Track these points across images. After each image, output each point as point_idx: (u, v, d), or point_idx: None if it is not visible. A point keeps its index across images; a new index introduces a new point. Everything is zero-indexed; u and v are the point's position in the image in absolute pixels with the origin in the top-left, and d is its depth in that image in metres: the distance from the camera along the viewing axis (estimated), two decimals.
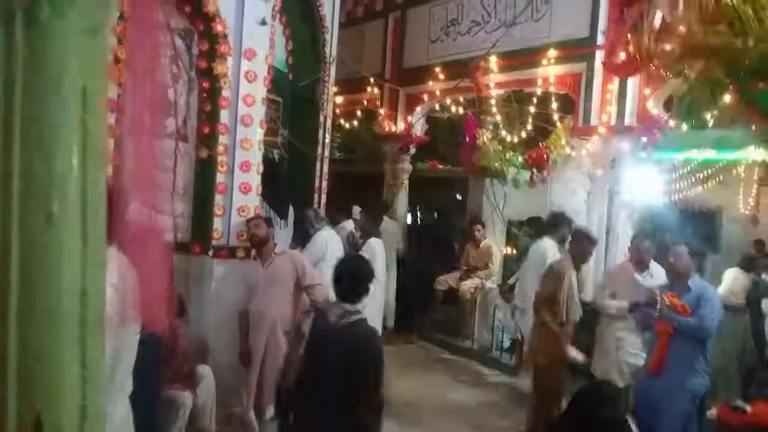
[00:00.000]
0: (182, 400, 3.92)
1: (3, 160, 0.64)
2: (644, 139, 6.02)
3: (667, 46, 3.64)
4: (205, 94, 4.83)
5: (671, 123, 6.15)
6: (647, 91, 6.02)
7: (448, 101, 8.52)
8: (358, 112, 10.09)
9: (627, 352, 4.82)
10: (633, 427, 2.98)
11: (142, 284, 1.00)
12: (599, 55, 6.31)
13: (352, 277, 3.05)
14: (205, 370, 4.25)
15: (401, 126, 8.87)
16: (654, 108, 6.01)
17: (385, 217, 7.55)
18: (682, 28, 3.55)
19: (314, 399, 2.88)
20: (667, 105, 6.34)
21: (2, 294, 0.64)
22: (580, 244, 4.86)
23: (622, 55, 4.94)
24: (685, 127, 6.28)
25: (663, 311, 4.04)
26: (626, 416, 3.69)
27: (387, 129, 8.94)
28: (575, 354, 4.58)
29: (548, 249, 5.54)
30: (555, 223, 5.70)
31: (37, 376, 0.66)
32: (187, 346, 4.16)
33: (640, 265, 4.89)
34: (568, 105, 7.22)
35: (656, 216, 7.13)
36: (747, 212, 9.66)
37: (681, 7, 3.60)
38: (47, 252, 0.66)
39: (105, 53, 0.72)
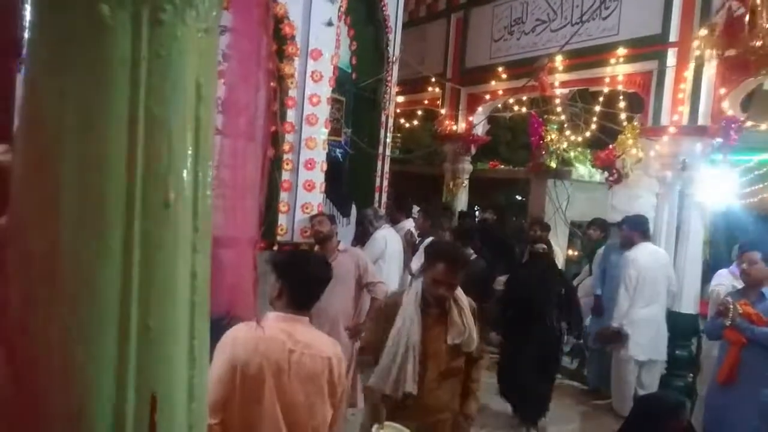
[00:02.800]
0: None
1: (129, 148, 0.69)
2: (719, 140, 5.76)
3: (754, 44, 3.49)
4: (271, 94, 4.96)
5: (748, 123, 5.88)
6: (722, 90, 5.76)
7: (511, 101, 8.42)
8: (420, 112, 10.11)
9: None
10: None
11: (229, 274, 1.06)
12: (672, 53, 6.10)
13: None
14: None
15: (462, 126, 8.83)
16: (730, 108, 5.75)
17: None
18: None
19: None
20: (744, 105, 6.06)
21: (127, 272, 0.70)
22: None
23: None
24: (764, 127, 5.98)
25: (735, 320, 3.88)
26: (692, 428, 3.57)
27: (448, 129, 8.92)
28: None
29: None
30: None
31: (153, 353, 0.72)
32: None
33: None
34: (635, 104, 7.02)
35: (731, 220, 6.83)
36: None
37: None
38: (165, 235, 0.72)
39: (216, 52, 0.78)
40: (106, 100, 0.67)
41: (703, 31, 5.68)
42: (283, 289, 2.28)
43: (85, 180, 0.68)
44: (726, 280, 4.82)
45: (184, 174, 0.71)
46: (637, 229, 5.70)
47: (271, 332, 2.12)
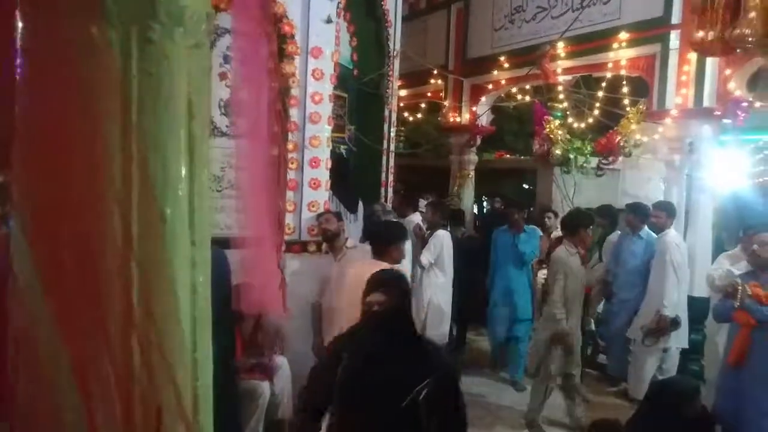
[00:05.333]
0: (261, 390, 4.07)
1: (123, 166, 0.70)
2: (727, 121, 5.71)
3: (739, 31, 3.47)
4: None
5: (757, 104, 5.82)
6: (728, 71, 5.70)
7: (514, 90, 8.38)
8: (423, 105, 10.09)
9: None
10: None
11: (257, 273, 1.08)
12: (674, 36, 6.04)
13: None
14: (281, 361, 4.40)
15: (466, 117, 8.80)
16: (736, 89, 5.70)
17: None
18: (752, 15, 3.39)
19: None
20: (751, 84, 6.00)
21: (126, 288, 0.71)
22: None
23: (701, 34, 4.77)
24: None
25: (744, 302, 3.86)
26: (710, 413, 3.56)
27: (452, 120, 8.90)
28: None
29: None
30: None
31: (157, 368, 0.73)
32: (266, 336, 4.31)
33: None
34: (640, 88, 6.96)
35: (739, 201, 6.78)
36: None
37: None
38: (162, 250, 0.73)
39: (207, 66, 0.78)
40: (98, 119, 0.68)
41: (700, 33, 5.60)
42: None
43: (81, 197, 0.69)
44: (725, 264, 4.79)
45: (180, 189, 0.72)
46: (673, 215, 5.56)
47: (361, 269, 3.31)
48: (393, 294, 2.43)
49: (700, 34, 5.17)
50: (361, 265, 3.59)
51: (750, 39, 3.47)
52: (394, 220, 5.68)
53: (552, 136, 7.45)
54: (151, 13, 0.68)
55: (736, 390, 3.91)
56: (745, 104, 5.69)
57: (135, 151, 0.71)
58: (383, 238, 3.75)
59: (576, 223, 5.00)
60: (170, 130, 0.72)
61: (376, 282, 2.52)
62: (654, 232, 5.65)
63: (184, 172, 0.73)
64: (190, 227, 0.75)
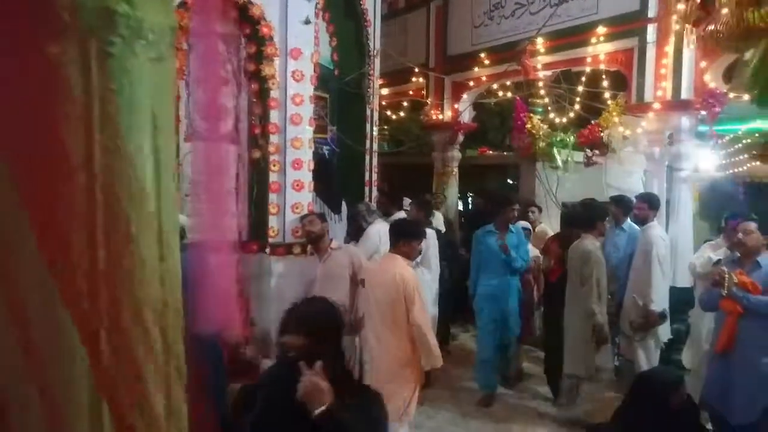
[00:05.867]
0: None
1: (87, 184, 0.69)
2: (703, 113, 5.78)
3: (711, 27, 3.53)
4: (254, 96, 4.95)
5: (731, 95, 5.89)
6: (704, 63, 5.77)
7: (495, 86, 8.41)
8: (405, 103, 10.10)
9: None
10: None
11: (212, 288, 1.06)
12: (651, 29, 6.10)
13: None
14: (269, 364, 4.37)
15: (448, 114, 8.82)
16: (712, 81, 5.76)
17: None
18: (725, 12, 3.43)
19: None
20: (727, 76, 6.07)
21: (94, 310, 0.69)
22: None
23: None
24: (746, 97, 6.00)
25: (731, 290, 3.89)
26: (695, 402, 3.59)
27: (434, 118, 8.91)
28: None
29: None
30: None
31: (126, 385, 0.71)
32: (250, 341, 4.29)
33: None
34: (620, 82, 7.02)
35: (719, 191, 6.86)
36: None
37: None
38: (130, 269, 0.71)
39: (171, 79, 0.77)
40: (58, 137, 0.67)
41: (681, 6, 5.68)
42: None
43: (44, 217, 0.67)
44: (706, 253, 4.86)
45: (146, 206, 0.71)
46: (655, 206, 5.50)
47: (384, 265, 4.00)
48: (311, 337, 1.91)
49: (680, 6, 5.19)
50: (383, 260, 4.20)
51: (720, 36, 3.53)
52: (381, 218, 5.68)
53: (534, 131, 7.49)
54: (110, 27, 0.67)
55: (723, 378, 3.96)
56: (721, 96, 5.76)
57: (99, 170, 0.69)
58: (392, 232, 4.04)
59: (592, 217, 5.16)
60: (134, 145, 0.71)
61: (292, 318, 2.00)
62: (636, 224, 5.67)
63: (151, 187, 0.72)
64: (158, 243, 0.73)
